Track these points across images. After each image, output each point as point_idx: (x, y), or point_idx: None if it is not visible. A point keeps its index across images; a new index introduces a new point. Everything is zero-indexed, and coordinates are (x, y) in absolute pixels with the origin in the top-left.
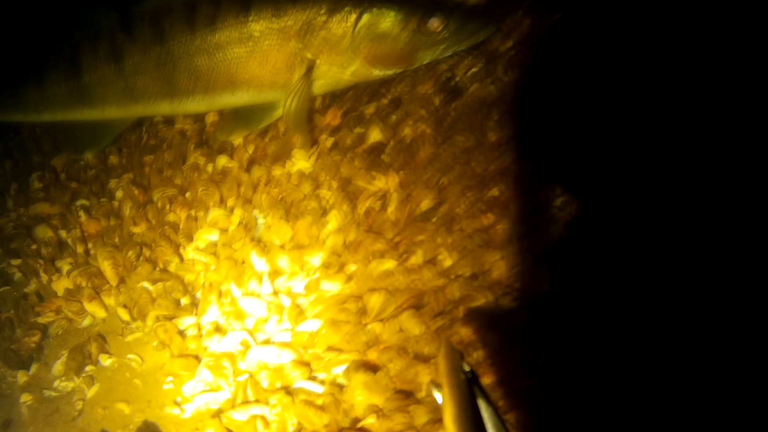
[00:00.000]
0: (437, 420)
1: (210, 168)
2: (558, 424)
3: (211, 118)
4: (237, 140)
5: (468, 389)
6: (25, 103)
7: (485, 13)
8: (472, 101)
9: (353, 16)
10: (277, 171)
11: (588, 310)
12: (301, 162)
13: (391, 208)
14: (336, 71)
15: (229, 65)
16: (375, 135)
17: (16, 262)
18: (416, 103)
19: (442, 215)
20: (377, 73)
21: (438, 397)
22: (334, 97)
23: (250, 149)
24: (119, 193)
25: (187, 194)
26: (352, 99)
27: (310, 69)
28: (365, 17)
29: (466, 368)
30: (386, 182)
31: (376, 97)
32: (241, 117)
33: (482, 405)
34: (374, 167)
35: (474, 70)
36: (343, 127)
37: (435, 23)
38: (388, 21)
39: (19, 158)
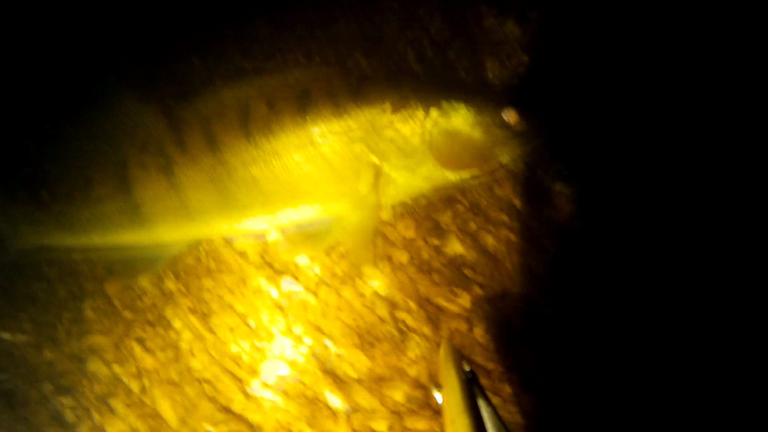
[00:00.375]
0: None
1: (274, 292)
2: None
3: (273, 237)
4: (302, 260)
5: (468, 389)
6: (72, 224)
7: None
8: (557, 201)
9: (421, 113)
10: (348, 293)
11: (588, 313)
12: (373, 281)
13: (478, 330)
14: (406, 176)
15: (288, 174)
16: (454, 246)
17: (68, 401)
18: (495, 207)
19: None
20: (452, 175)
21: (438, 397)
22: (405, 207)
23: (317, 269)
24: (176, 323)
25: (250, 322)
26: (425, 208)
27: (378, 175)
28: (434, 113)
29: (466, 368)
30: (470, 300)
31: (451, 204)
32: (305, 233)
33: (482, 405)
34: (456, 283)
35: (557, 166)
36: (418, 239)
37: (512, 114)
38: (459, 116)
39: (72, 285)
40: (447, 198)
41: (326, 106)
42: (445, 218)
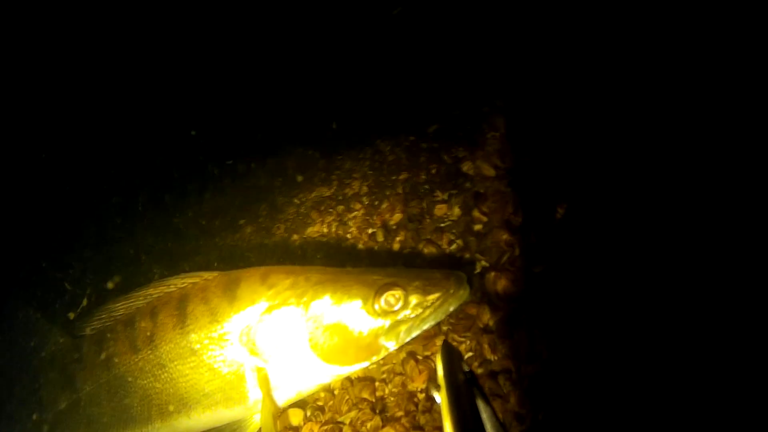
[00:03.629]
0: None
1: None
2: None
3: None
4: None
5: (467, 390)
6: None
7: (453, 272)
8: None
9: (299, 310)
10: None
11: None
12: None
13: None
14: (293, 376)
15: (176, 385)
16: None
17: None
18: (404, 406)
19: None
20: (340, 371)
21: (437, 398)
22: (315, 409)
23: None
24: None
25: None
26: (332, 409)
27: (264, 378)
28: (311, 308)
29: (466, 368)
30: None
31: (357, 405)
32: None
33: (482, 405)
34: None
35: (470, 354)
36: None
37: (391, 300)
38: (337, 308)
39: None
40: (355, 397)
41: (203, 313)
42: (347, 419)
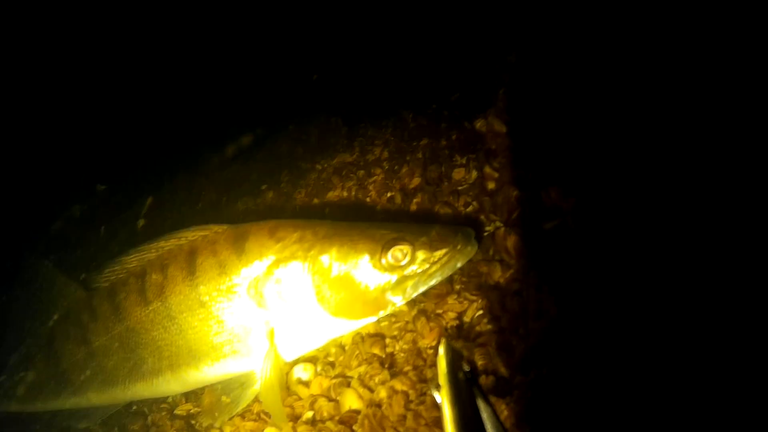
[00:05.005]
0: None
1: None
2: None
3: (207, 400)
4: (219, 423)
5: (468, 390)
6: (13, 394)
7: (461, 228)
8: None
9: (306, 264)
10: None
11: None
12: None
13: None
14: (300, 329)
15: (185, 337)
16: (350, 402)
17: None
18: (412, 362)
19: None
20: (347, 325)
21: (437, 397)
22: (326, 364)
23: (227, 431)
24: None
25: None
26: (342, 364)
27: (271, 331)
28: (318, 262)
29: (466, 368)
30: None
31: (367, 360)
32: (219, 398)
33: (482, 405)
34: None
35: (480, 312)
36: (321, 397)
37: (398, 255)
38: (344, 262)
39: None
40: (366, 353)
41: (212, 265)
42: (355, 373)
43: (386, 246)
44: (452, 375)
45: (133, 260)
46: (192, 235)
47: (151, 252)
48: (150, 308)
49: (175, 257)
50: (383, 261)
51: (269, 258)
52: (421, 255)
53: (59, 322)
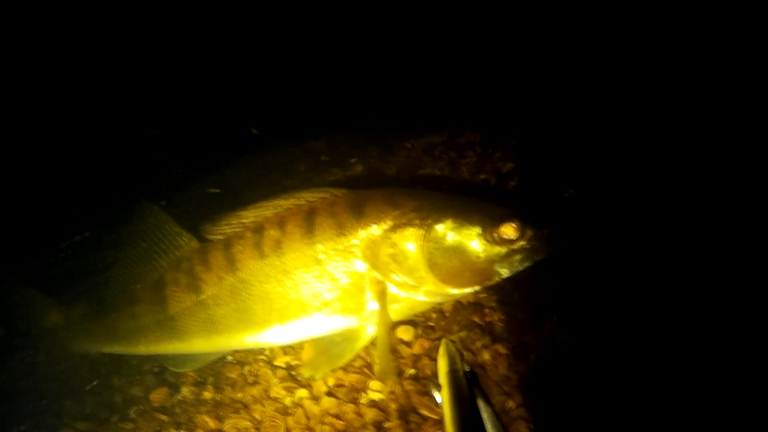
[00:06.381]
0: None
1: (288, 401)
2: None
3: (306, 354)
4: (321, 375)
5: (468, 390)
6: (120, 335)
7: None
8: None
9: (421, 231)
10: (347, 402)
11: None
12: (374, 393)
13: None
14: (409, 293)
15: (298, 291)
16: None
17: None
18: (514, 332)
19: None
20: (453, 292)
21: (438, 397)
22: (426, 328)
23: (330, 382)
24: (198, 424)
25: (261, 427)
26: (443, 328)
27: (382, 292)
28: (434, 231)
29: (466, 368)
30: None
31: (467, 326)
32: (323, 351)
33: (482, 405)
34: None
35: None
36: (424, 356)
37: (510, 231)
38: (458, 233)
39: (125, 391)
40: (466, 319)
41: (330, 225)
42: (455, 338)
43: (499, 220)
44: (452, 375)
45: (249, 215)
46: (311, 196)
47: (268, 209)
48: (265, 262)
49: (293, 215)
50: (495, 235)
51: (387, 223)
52: (529, 232)
53: (169, 269)
